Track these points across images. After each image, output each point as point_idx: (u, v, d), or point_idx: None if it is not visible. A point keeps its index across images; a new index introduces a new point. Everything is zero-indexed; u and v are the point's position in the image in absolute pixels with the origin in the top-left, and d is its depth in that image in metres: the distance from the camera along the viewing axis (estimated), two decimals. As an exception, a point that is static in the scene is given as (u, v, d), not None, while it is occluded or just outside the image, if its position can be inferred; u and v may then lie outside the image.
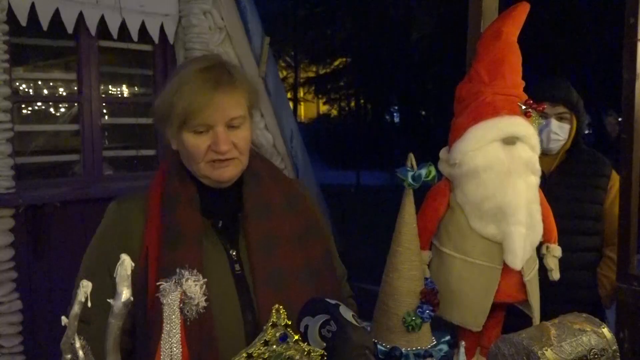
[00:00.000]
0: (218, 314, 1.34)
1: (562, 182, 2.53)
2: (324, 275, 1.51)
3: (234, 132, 1.41)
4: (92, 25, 3.52)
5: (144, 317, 1.33)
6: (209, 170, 1.41)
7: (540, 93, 2.53)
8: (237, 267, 1.44)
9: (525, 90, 1.63)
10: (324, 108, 26.22)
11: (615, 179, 2.54)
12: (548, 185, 2.49)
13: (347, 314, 1.18)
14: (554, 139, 2.50)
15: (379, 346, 1.31)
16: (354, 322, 1.17)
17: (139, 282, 1.34)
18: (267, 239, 1.45)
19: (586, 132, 2.64)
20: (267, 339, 1.01)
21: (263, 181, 1.52)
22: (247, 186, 1.49)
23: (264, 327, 1.03)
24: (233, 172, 1.43)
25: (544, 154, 2.54)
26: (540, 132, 2.46)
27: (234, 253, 1.45)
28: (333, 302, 1.22)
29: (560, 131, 2.51)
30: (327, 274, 1.53)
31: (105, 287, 1.22)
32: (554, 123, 2.50)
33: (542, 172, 2.50)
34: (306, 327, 1.18)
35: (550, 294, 2.23)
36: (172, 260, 1.32)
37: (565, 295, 2.42)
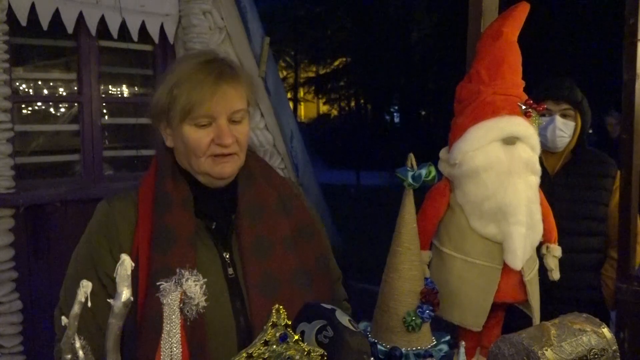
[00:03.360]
0: (210, 318, 1.30)
1: (567, 182, 2.53)
2: (318, 278, 1.49)
3: (235, 127, 1.39)
4: (92, 25, 3.52)
5: (134, 319, 1.31)
6: (210, 166, 1.38)
7: (544, 91, 2.54)
8: (230, 270, 1.41)
9: (527, 89, 1.63)
10: (324, 108, 26.24)
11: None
12: (553, 185, 2.49)
13: (344, 318, 1.18)
14: (559, 135, 2.49)
15: (379, 346, 1.31)
16: (351, 327, 1.16)
17: None
18: (260, 241, 1.42)
19: (590, 131, 2.64)
20: (267, 339, 1.01)
21: (257, 182, 1.49)
22: (242, 187, 1.46)
23: (264, 327, 1.03)
24: (233, 168, 1.41)
25: (550, 153, 2.55)
26: (545, 129, 2.47)
27: (227, 256, 1.43)
28: (329, 307, 1.21)
29: (565, 128, 2.51)
30: (321, 277, 1.50)
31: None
32: (558, 119, 2.50)
33: (547, 172, 2.53)
34: (302, 332, 1.17)
35: (556, 295, 2.23)
36: (163, 262, 1.30)
37: (571, 296, 2.42)
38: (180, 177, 1.43)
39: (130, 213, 1.41)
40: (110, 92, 4.14)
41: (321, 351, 1.07)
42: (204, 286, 1.04)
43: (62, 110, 4.01)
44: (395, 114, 23.71)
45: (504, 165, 1.51)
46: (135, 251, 1.37)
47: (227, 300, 1.38)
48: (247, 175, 1.48)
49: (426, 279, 1.38)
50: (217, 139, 1.36)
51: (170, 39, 3.92)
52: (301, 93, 24.57)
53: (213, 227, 1.44)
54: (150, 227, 1.37)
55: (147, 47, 4.00)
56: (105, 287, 1.36)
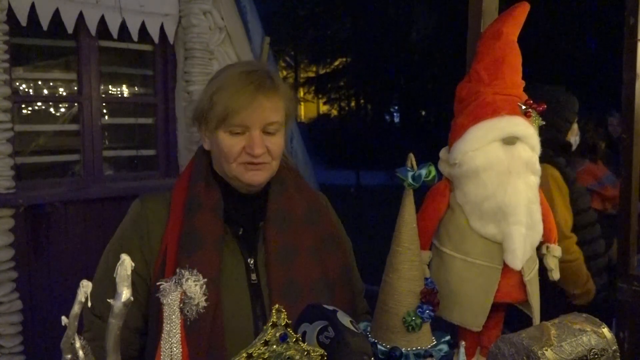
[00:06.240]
0: (229, 322, 1.34)
1: None
2: (340, 289, 1.51)
3: (268, 138, 1.42)
4: (92, 25, 3.52)
5: (157, 316, 1.33)
6: (241, 172, 1.42)
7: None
8: (253, 276, 1.44)
9: (526, 90, 1.62)
10: (324, 108, 26.23)
11: None
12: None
13: (345, 320, 1.18)
14: None
15: (379, 346, 1.31)
16: (352, 328, 1.16)
17: (154, 282, 1.35)
18: (286, 249, 1.45)
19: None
20: (267, 339, 1.01)
21: (288, 191, 1.53)
22: (272, 195, 1.50)
23: (264, 327, 1.03)
24: (264, 177, 1.44)
25: None
26: None
27: (251, 262, 1.45)
28: (331, 308, 1.21)
29: None
30: (343, 288, 1.53)
31: None
32: None
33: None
34: (304, 333, 1.17)
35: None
36: (188, 264, 1.32)
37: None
38: (213, 182, 1.47)
39: (163, 213, 1.45)
40: (110, 92, 4.13)
41: (321, 351, 1.07)
42: (204, 286, 1.04)
43: (62, 110, 4.01)
44: (395, 114, 23.70)
45: (504, 165, 1.51)
46: (163, 252, 1.40)
47: (248, 305, 1.41)
48: (279, 184, 1.52)
49: (426, 279, 1.37)
50: (248, 148, 1.40)
51: (170, 39, 3.91)
52: (301, 93, 24.54)
53: (240, 233, 1.46)
54: (180, 228, 1.40)
55: (147, 47, 3.99)
56: (134, 285, 1.38)
